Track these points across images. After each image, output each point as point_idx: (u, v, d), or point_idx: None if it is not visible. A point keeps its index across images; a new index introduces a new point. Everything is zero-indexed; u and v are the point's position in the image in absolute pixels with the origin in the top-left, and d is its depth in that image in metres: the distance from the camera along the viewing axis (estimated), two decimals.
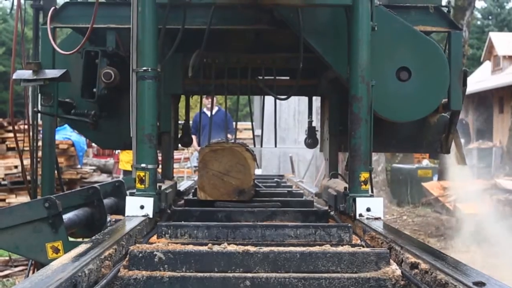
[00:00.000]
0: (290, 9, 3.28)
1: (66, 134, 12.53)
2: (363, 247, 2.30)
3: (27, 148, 4.73)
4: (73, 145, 12.28)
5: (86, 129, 3.94)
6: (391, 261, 2.03)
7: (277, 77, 4.03)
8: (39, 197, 4.17)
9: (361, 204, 2.87)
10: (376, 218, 2.84)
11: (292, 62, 3.77)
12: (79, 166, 12.78)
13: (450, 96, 3.49)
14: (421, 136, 3.95)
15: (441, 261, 1.91)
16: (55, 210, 3.07)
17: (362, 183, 2.94)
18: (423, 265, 1.92)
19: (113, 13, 3.47)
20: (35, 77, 3.48)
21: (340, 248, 2.09)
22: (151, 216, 2.78)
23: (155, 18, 2.89)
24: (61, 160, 10.91)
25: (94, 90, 3.58)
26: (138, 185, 2.85)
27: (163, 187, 3.14)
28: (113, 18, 3.46)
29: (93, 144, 21.83)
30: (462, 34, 3.63)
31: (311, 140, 4.59)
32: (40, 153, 4.80)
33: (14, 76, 3.61)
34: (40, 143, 4.85)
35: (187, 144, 4.61)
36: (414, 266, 1.98)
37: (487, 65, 31.40)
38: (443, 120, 3.88)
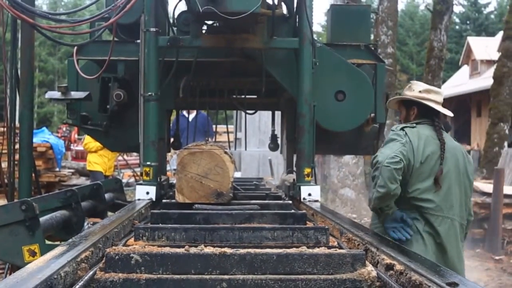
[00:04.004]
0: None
1: (44, 137, 12.41)
2: (340, 248, 2.31)
3: (5, 151, 4.70)
4: (51, 148, 12.14)
5: (99, 135, 4.83)
6: (367, 262, 2.05)
7: (246, 96, 5.00)
8: (16, 200, 4.15)
9: (304, 191, 3.78)
10: (315, 201, 3.72)
11: (258, 85, 4.54)
12: (57, 169, 12.64)
13: (376, 112, 4.42)
14: (358, 141, 4.87)
15: (416, 262, 1.94)
16: (32, 213, 3.06)
17: (306, 176, 3.89)
18: (398, 266, 1.94)
19: (122, 48, 4.29)
20: (63, 97, 4.37)
21: (316, 250, 2.09)
22: (154, 199, 3.66)
23: (157, 56, 3.84)
24: (39, 163, 10.80)
25: (108, 106, 4.43)
26: (144, 177, 3.77)
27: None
28: (122, 52, 4.31)
29: (72, 147, 21.71)
30: (385, 66, 4.61)
31: (273, 145, 5.54)
32: (17, 156, 4.77)
33: (47, 96, 4.39)
34: (17, 146, 4.82)
35: (178, 147, 5.38)
36: (389, 267, 2.00)
37: (465, 69, 31.70)
38: (374, 130, 4.78)
